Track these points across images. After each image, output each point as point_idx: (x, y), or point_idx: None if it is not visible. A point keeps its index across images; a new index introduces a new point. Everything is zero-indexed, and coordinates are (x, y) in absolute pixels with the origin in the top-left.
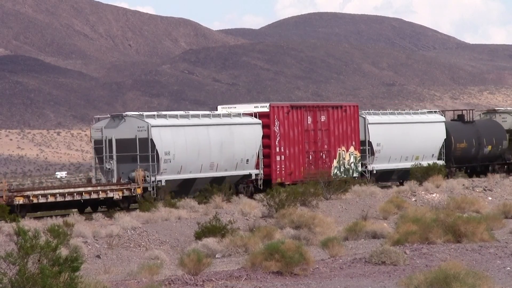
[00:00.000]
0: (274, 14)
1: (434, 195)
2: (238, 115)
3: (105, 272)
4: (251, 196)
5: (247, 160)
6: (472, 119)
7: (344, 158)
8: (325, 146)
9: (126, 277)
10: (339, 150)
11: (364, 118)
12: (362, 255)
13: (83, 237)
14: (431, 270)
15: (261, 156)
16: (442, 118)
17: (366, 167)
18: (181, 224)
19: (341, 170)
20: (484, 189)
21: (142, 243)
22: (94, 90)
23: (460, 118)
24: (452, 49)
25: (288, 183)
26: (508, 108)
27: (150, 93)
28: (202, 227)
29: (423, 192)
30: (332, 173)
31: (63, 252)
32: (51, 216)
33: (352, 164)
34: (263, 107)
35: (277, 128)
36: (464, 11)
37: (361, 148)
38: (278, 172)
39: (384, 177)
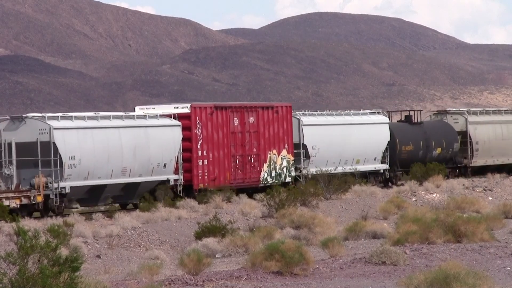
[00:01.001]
0: (274, 14)
1: (434, 195)
2: (155, 116)
3: (105, 272)
4: (171, 204)
5: (165, 165)
6: (421, 120)
7: (275, 162)
8: (254, 150)
9: (126, 277)
10: (270, 154)
11: (298, 120)
12: (362, 255)
13: (83, 237)
14: (431, 270)
15: (180, 161)
16: (386, 119)
17: (300, 171)
18: (181, 224)
19: (272, 175)
20: (484, 189)
21: (142, 243)
22: (94, 90)
23: (407, 119)
24: (452, 49)
25: (212, 189)
26: (461, 109)
27: (150, 93)
28: (202, 227)
29: (423, 192)
30: (262, 178)
31: (63, 252)
32: (51, 216)
33: (285, 169)
34: (184, 108)
35: (199, 130)
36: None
37: (296, 151)
38: (200, 178)
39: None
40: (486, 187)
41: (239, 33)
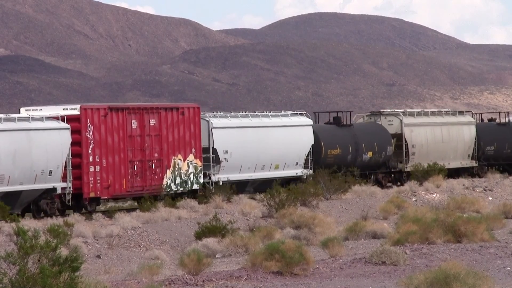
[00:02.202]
0: (274, 14)
1: (434, 195)
2: (40, 119)
3: (105, 272)
4: (61, 214)
5: (50, 172)
6: (350, 122)
7: (180, 168)
8: (156, 155)
9: (126, 277)
10: (174, 159)
11: (208, 122)
12: (362, 255)
13: (83, 237)
14: (431, 270)
15: (69, 167)
16: (309, 121)
17: (210, 178)
18: (181, 224)
19: (177, 182)
20: (484, 189)
21: (142, 243)
22: (94, 90)
23: (336, 121)
24: (452, 49)
25: (106, 197)
26: (396, 110)
27: (150, 93)
28: (202, 227)
29: (423, 192)
30: (165, 185)
31: (63, 252)
32: (51, 216)
33: (192, 175)
34: (73, 109)
35: (91, 134)
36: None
37: (205, 156)
38: (91, 186)
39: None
40: (486, 187)
41: (239, 33)
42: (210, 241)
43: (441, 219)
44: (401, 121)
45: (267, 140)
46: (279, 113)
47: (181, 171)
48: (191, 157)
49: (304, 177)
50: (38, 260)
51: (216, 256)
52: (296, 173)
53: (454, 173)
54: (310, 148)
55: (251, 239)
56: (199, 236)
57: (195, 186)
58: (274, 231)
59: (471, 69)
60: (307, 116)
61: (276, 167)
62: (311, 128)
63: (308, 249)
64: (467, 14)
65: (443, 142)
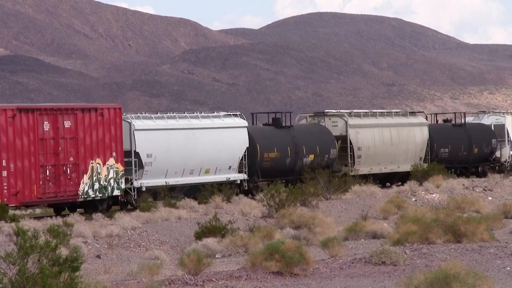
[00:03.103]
0: (274, 14)
1: (434, 195)
2: None
3: (105, 272)
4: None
5: None
6: (290, 123)
7: (99, 173)
8: (71, 159)
9: (126, 277)
10: (93, 163)
11: (130, 123)
12: (362, 255)
13: (83, 237)
14: (431, 270)
15: None
16: (244, 123)
17: (131, 183)
18: (181, 224)
19: (95, 187)
20: (484, 189)
21: (142, 243)
22: (94, 90)
23: (275, 122)
24: (452, 49)
25: (14, 205)
26: (341, 111)
27: (150, 93)
28: (202, 227)
29: (423, 192)
30: (81, 191)
31: (63, 252)
32: (51, 216)
33: (112, 180)
34: None
35: None
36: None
37: (127, 160)
38: None
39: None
40: (486, 187)
41: (239, 33)
42: (210, 241)
43: (441, 219)
44: (346, 122)
45: (196, 143)
46: (210, 114)
47: (100, 176)
48: (111, 161)
49: (238, 181)
50: (38, 260)
51: (216, 256)
52: (229, 178)
53: (405, 176)
54: (245, 151)
55: (251, 239)
56: (199, 236)
57: (116, 192)
58: (274, 231)
59: (471, 69)
60: (241, 117)
61: (207, 172)
62: (245, 130)
63: (308, 249)
64: (467, 14)
65: (393, 144)
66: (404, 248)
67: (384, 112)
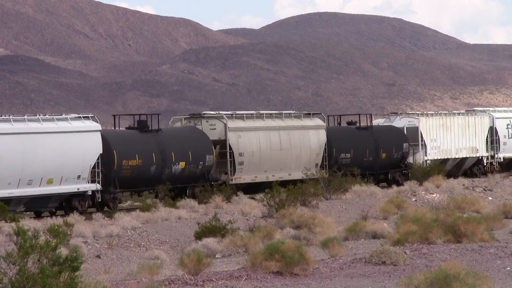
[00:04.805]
0: (273, 14)
1: (434, 195)
2: None
3: (105, 272)
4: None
5: None
6: (158, 127)
7: None
8: None
9: (126, 277)
10: None
11: None
12: (362, 255)
13: (83, 237)
14: (431, 270)
15: None
16: (97, 126)
17: None
18: (181, 224)
19: None
20: (484, 189)
21: (142, 243)
22: (94, 90)
23: (140, 125)
24: (452, 49)
25: None
26: (221, 112)
27: (150, 93)
28: (202, 227)
29: (423, 192)
30: None
31: (63, 252)
32: (51, 216)
33: None
34: None
35: None
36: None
37: None
38: None
39: None
40: (486, 187)
41: (239, 33)
42: (210, 241)
43: (441, 219)
44: (225, 125)
45: (35, 149)
46: (55, 117)
47: None
48: None
49: (89, 192)
50: (38, 260)
51: (216, 256)
52: (78, 189)
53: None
54: (98, 158)
55: (251, 239)
56: (199, 236)
57: None
58: (274, 231)
59: (471, 69)
60: (94, 120)
61: (50, 182)
62: (99, 134)
63: (308, 249)
64: (467, 14)
65: (282, 149)
66: (404, 248)
67: (273, 114)
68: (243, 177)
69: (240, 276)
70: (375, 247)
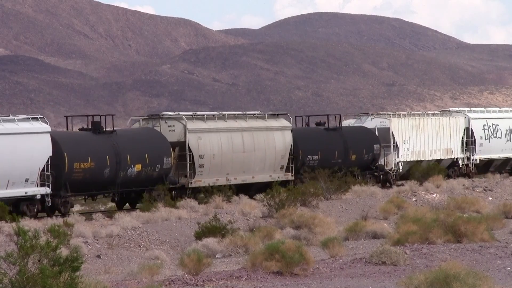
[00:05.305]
0: (273, 14)
1: (434, 195)
2: None
3: (105, 272)
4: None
5: None
6: (113, 128)
7: None
8: None
9: (126, 277)
10: None
11: None
12: (362, 255)
13: (83, 237)
14: (431, 270)
15: None
16: (46, 128)
17: None
18: (181, 224)
19: None
20: (484, 189)
21: (142, 243)
22: (94, 90)
23: (95, 126)
24: (452, 49)
25: None
26: (180, 113)
27: (150, 93)
28: (202, 227)
29: (423, 192)
30: None
31: (63, 252)
32: (51, 216)
33: None
34: None
35: None
36: (464, 11)
37: None
38: None
39: None
40: (486, 187)
41: (239, 33)
42: (210, 241)
43: (441, 219)
44: (184, 126)
45: None
46: (1, 118)
47: None
48: None
49: (38, 197)
50: (38, 260)
51: (216, 256)
52: (26, 193)
53: (263, 188)
54: (47, 161)
55: (251, 239)
56: (199, 236)
57: None
58: (274, 231)
59: (471, 69)
60: (43, 121)
61: None
62: (48, 136)
63: (308, 249)
64: (467, 14)
65: (245, 151)
66: (404, 248)
67: (236, 115)
68: (204, 180)
69: (240, 276)
70: (375, 247)
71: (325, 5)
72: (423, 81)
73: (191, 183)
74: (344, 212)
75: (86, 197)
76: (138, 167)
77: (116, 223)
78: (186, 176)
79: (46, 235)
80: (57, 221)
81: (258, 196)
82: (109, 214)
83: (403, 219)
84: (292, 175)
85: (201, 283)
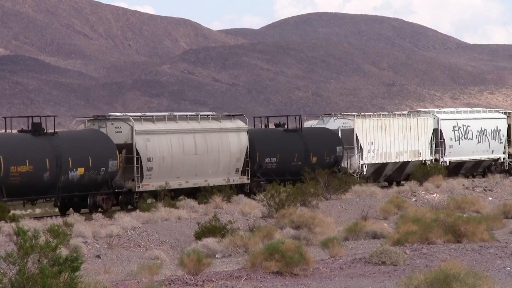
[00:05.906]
0: (273, 14)
1: (434, 195)
2: None
3: (105, 272)
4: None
5: None
6: (54, 130)
7: None
8: None
9: (126, 277)
10: None
11: None
12: (362, 255)
13: (83, 237)
14: (431, 270)
15: None
16: None
17: None
18: (181, 224)
19: None
20: (484, 189)
21: (142, 243)
22: (94, 90)
23: (34, 128)
24: (452, 49)
25: None
26: (128, 114)
27: (150, 93)
28: (202, 227)
29: (423, 192)
30: None
31: (63, 252)
32: (51, 216)
33: None
34: None
35: None
36: (464, 11)
37: None
38: None
39: None
40: (486, 187)
41: (239, 33)
42: (210, 241)
43: (441, 219)
44: (131, 127)
45: None
46: None
47: None
48: None
49: None
50: (38, 260)
51: (216, 256)
52: None
53: (218, 191)
54: None
55: (251, 239)
56: (199, 236)
57: None
58: (274, 231)
59: (471, 69)
60: None
61: None
62: None
63: (308, 249)
64: (467, 14)
65: (197, 153)
66: (404, 248)
67: (188, 116)
68: (152, 184)
69: (240, 276)
70: (375, 247)
71: (325, 5)
72: (423, 81)
73: (139, 187)
74: (344, 212)
75: (25, 202)
76: (80, 170)
77: (116, 223)
78: (133, 180)
79: (46, 235)
80: (56, 221)
81: (258, 196)
82: (109, 214)
83: (403, 219)
84: (248, 179)
85: (201, 283)
